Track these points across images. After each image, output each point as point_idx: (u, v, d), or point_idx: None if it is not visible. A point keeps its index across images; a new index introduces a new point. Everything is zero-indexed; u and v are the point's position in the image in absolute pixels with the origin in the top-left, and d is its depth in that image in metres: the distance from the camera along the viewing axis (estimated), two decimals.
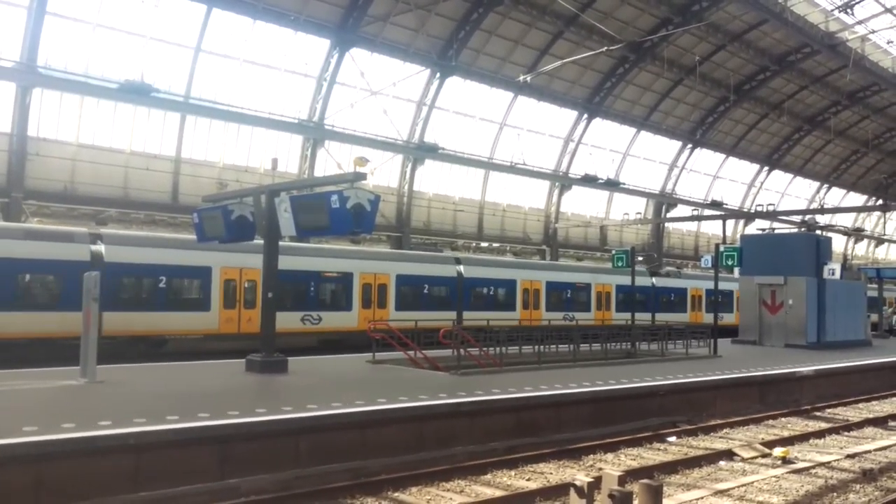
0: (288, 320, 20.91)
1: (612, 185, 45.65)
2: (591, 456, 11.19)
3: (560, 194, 44.85)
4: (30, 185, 26.76)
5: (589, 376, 15.26)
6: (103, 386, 12.26)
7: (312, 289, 23.83)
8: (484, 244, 41.47)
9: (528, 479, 9.80)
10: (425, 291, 26.81)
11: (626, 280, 26.10)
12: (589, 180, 43.72)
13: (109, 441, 8.39)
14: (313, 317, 23.41)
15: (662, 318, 28.36)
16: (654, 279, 34.82)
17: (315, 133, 33.71)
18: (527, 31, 37.52)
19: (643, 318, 26.09)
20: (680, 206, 51.50)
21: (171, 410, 9.81)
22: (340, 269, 24.60)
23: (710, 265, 28.42)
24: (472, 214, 41.22)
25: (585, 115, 43.60)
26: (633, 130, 47.39)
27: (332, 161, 34.43)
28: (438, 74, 36.30)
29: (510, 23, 36.62)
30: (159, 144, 30.57)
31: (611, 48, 32.18)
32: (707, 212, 50.69)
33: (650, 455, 11.46)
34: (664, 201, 51.17)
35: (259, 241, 15.74)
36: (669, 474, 10.15)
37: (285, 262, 18.41)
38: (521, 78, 33.89)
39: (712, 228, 55.78)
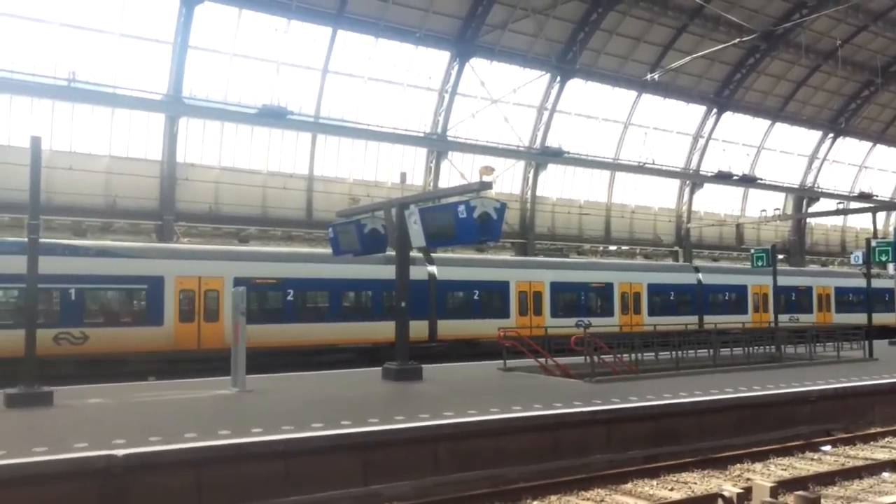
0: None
1: (748, 181, 43.59)
2: (738, 465, 10.69)
3: (691, 193, 43.26)
4: (179, 207, 28.80)
5: (731, 382, 14.61)
6: (253, 395, 12.97)
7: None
8: (612, 248, 40.62)
9: (671, 489, 9.49)
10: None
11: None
12: (722, 177, 41.94)
13: (261, 447, 8.86)
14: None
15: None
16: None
17: (439, 145, 34.29)
18: (648, 28, 36.58)
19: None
20: (823, 200, 48.40)
21: (315, 418, 10.24)
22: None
23: (860, 262, 26.48)
24: (599, 217, 40.49)
25: (715, 110, 41.92)
26: (767, 122, 45.09)
27: (456, 171, 34.88)
28: (559, 78, 36.02)
29: (631, 20, 35.84)
30: (293, 164, 32.10)
31: (742, 39, 30.64)
32: (854, 205, 47.34)
33: (803, 465, 10.80)
34: (805, 195, 48.25)
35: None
36: (826, 486, 9.53)
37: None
38: (648, 77, 32.96)
39: (861, 222, 52.02)
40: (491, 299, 24.84)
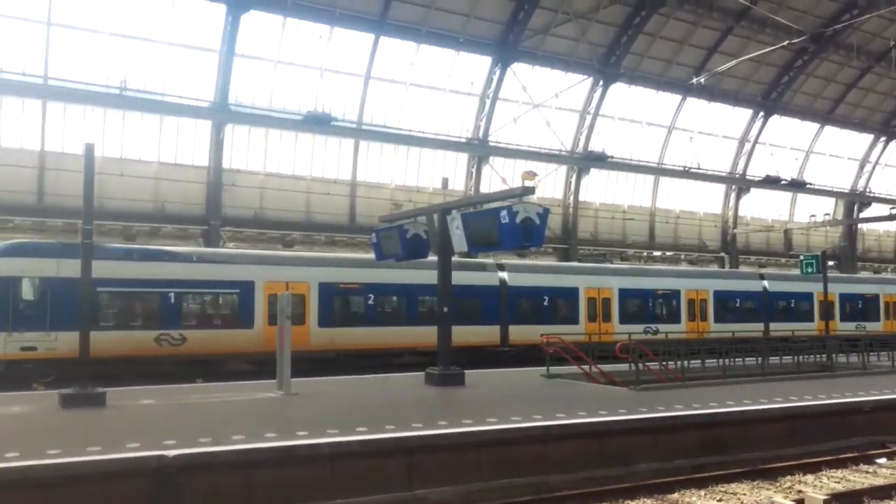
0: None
1: (796, 186, 42.70)
2: (789, 477, 10.44)
3: (738, 198, 42.51)
4: (225, 212, 29.31)
5: (781, 391, 14.30)
6: (298, 398, 13.12)
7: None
8: (656, 253, 40.11)
9: (719, 500, 9.32)
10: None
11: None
12: (769, 181, 41.19)
13: (307, 450, 8.95)
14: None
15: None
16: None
17: (480, 150, 34.30)
18: (693, 31, 36.11)
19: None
20: (875, 205, 47.11)
21: (359, 422, 10.31)
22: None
23: None
24: (643, 223, 40.04)
25: (761, 113, 41.16)
26: (816, 126, 44.10)
27: (497, 176, 34.84)
28: (601, 82, 35.75)
29: (675, 23, 35.42)
30: (336, 169, 32.42)
31: (792, 41, 29.99)
32: None
33: (857, 478, 10.51)
34: (856, 200, 47.06)
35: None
36: (882, 500, 9.25)
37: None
38: (693, 80, 32.48)
39: None
40: (560, 306, 25.00)
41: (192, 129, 29.41)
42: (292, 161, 31.57)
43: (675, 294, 27.41)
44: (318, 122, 29.37)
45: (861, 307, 32.26)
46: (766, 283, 30.31)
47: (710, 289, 27.92)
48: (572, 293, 25.25)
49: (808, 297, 30.90)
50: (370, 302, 21.56)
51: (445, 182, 30.74)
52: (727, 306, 28.25)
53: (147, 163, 28.59)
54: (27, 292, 17.13)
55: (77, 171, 14.11)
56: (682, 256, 41.17)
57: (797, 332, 24.78)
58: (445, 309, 15.70)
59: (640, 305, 26.74)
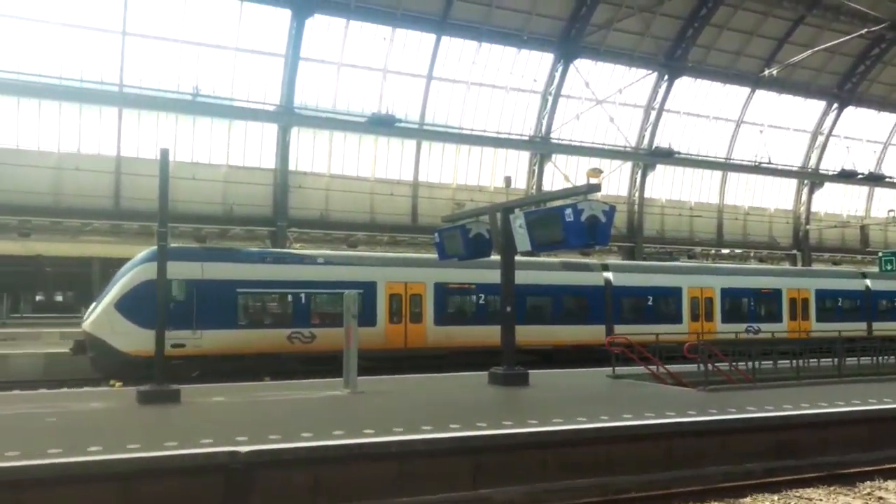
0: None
1: (873, 180, 41.09)
2: (868, 483, 10.05)
3: (810, 193, 41.14)
4: (292, 214, 29.94)
5: (859, 393, 13.76)
6: (364, 396, 13.30)
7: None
8: (725, 251, 39.13)
9: None
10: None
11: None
12: (845, 176, 39.74)
13: (375, 448, 9.07)
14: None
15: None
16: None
17: (543, 148, 34.10)
18: (762, 21, 35.08)
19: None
20: None
21: (425, 420, 10.38)
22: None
23: None
24: (710, 220, 39.14)
25: (835, 105, 39.74)
26: (894, 117, 42.24)
27: (559, 174, 34.57)
28: (666, 76, 35.12)
29: (743, 14, 34.49)
30: (399, 170, 32.75)
31: (869, 30, 28.81)
32: None
33: None
34: None
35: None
36: None
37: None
38: (766, 72, 31.52)
39: None
40: (664, 305, 25.18)
41: (260, 132, 30.14)
42: (356, 162, 32.03)
43: (777, 293, 27.20)
44: (382, 124, 29.74)
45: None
46: (868, 281, 29.87)
47: (812, 288, 27.58)
48: (676, 293, 25.40)
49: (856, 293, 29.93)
50: (481, 301, 22.21)
51: (508, 181, 30.68)
52: (827, 305, 27.93)
53: (217, 166, 29.44)
54: (177, 294, 17.95)
55: (151, 176, 14.67)
56: (752, 254, 40.07)
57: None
58: (509, 308, 15.63)
59: (741, 305, 26.64)
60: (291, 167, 30.22)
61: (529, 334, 20.52)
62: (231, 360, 18.13)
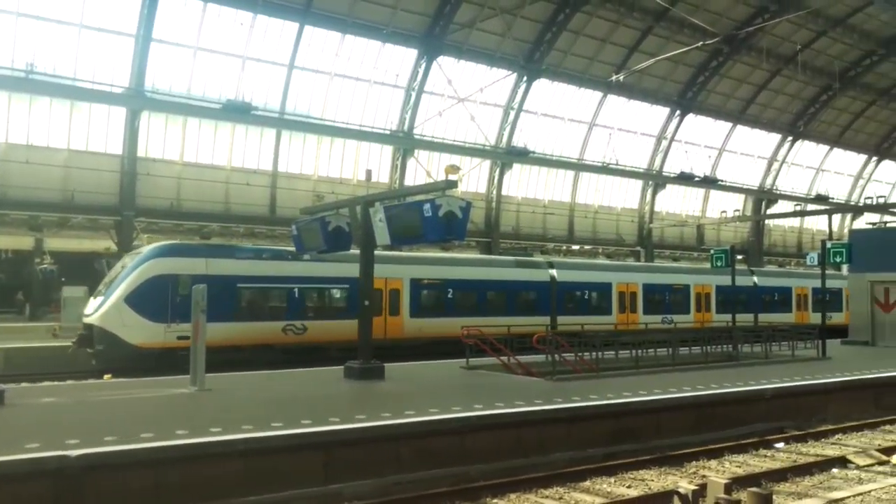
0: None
1: (709, 183, 44.34)
2: (694, 463, 10.88)
3: (654, 193, 43.87)
4: (140, 203, 28.36)
5: (689, 381, 14.84)
6: (212, 394, 12.83)
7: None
8: (575, 247, 40.99)
9: (628, 487, 9.62)
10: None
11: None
12: (684, 178, 42.64)
13: (220, 447, 8.77)
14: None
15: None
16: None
17: (405, 143, 34.25)
18: (615, 29, 36.98)
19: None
20: (781, 202, 49.49)
21: (275, 417, 10.17)
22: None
23: (815, 263, 27.19)
24: (563, 217, 40.86)
25: (678, 112, 42.54)
26: (728, 125, 45.94)
27: (422, 169, 34.89)
28: (525, 77, 36.23)
29: (597, 21, 36.20)
30: (257, 160, 31.83)
31: (706, 42, 31.21)
32: (811, 207, 48.44)
33: (756, 462, 11.04)
34: (764, 197, 49.26)
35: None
36: (778, 482, 9.75)
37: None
38: (613, 78, 33.36)
39: (817, 224, 53.31)
40: (598, 299, 28.01)
41: (106, 115, 28.33)
42: (211, 150, 30.82)
43: (687, 289, 30.71)
44: (238, 111, 28.72)
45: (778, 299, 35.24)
46: (755, 278, 33.82)
47: (713, 283, 30.96)
48: (607, 288, 28.21)
49: (788, 290, 34.63)
50: (449, 295, 24.13)
51: (369, 174, 30.65)
52: (726, 299, 31.51)
53: (56, 150, 27.38)
54: (183, 288, 18.64)
55: None
56: (600, 250, 42.22)
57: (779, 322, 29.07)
58: (367, 302, 15.60)
59: (659, 299, 29.72)
60: (141, 153, 28.60)
61: (488, 325, 21.44)
62: (230, 352, 19.05)
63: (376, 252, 24.94)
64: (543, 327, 22.83)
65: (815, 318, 32.40)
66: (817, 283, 29.75)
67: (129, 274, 19.09)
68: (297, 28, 30.69)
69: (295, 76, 31.52)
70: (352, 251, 24.26)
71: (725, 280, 31.78)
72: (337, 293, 22.20)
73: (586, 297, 27.74)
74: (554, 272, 26.95)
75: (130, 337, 18.51)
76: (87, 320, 19.36)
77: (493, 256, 28.82)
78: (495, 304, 24.81)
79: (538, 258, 30.01)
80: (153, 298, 18.56)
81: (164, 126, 29.77)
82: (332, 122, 32.25)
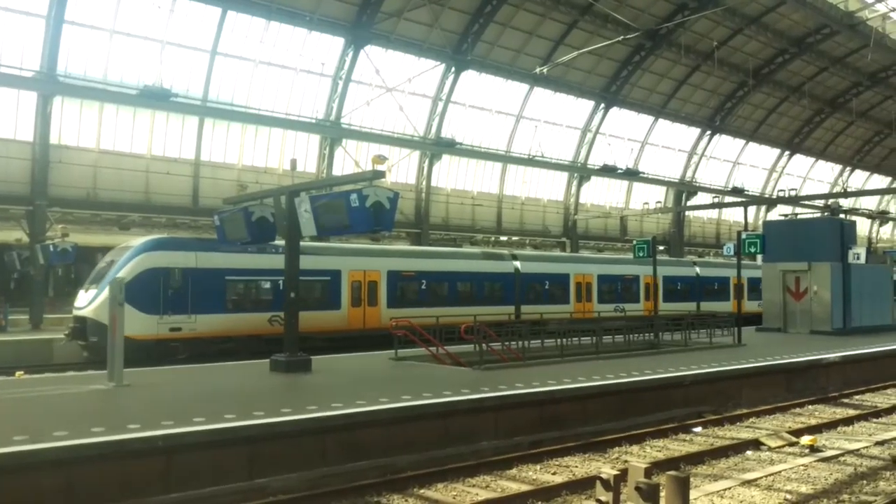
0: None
1: (631, 175, 45.40)
2: (617, 448, 11.17)
3: (579, 185, 44.67)
4: (53, 192, 27.13)
5: (612, 368, 15.22)
6: (130, 389, 12.43)
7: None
8: (503, 238, 41.41)
9: (553, 473, 9.80)
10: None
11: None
12: (608, 170, 43.54)
13: (139, 444, 8.51)
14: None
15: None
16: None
17: (332, 132, 33.83)
18: (541, 22, 37.35)
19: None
20: (700, 194, 51.11)
21: (197, 412, 9.93)
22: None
23: (732, 253, 28.28)
24: (491, 209, 41.19)
25: (602, 105, 43.37)
26: (650, 119, 47.08)
27: (350, 159, 34.55)
28: (453, 69, 36.27)
29: (524, 14, 36.47)
30: (179, 148, 30.87)
31: (627, 37, 32.03)
32: (728, 199, 50.24)
33: (676, 446, 11.42)
34: (684, 189, 50.79)
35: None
36: (696, 465, 10.10)
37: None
38: (538, 70, 33.77)
39: (734, 215, 55.32)
40: (557, 289, 29.34)
41: (15, 100, 26.96)
42: (130, 138, 29.72)
43: (636, 279, 32.29)
44: (157, 97, 27.72)
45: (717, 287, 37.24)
46: (697, 269, 35.99)
47: (661, 275, 31.60)
48: (565, 279, 29.67)
49: (726, 280, 36.34)
50: (423, 287, 25.06)
51: (294, 163, 29.71)
52: (672, 289, 33.75)
53: None
54: (175, 281, 19.43)
55: None
56: (528, 241, 42.77)
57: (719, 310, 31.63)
58: (293, 294, 15.37)
59: (611, 289, 31.35)
60: (53, 140, 27.31)
61: (458, 315, 21.78)
62: (220, 342, 19.90)
63: (357, 244, 25.62)
64: (508, 316, 24.44)
65: (751, 306, 33.76)
66: (758, 274, 31.15)
67: (121, 267, 19.17)
68: (220, 13, 29.84)
69: (218, 63, 30.67)
70: (332, 244, 24.91)
71: (672, 271, 34.47)
72: (319, 285, 22.71)
73: (547, 287, 28.99)
74: (518, 264, 28.13)
75: (126, 329, 18.04)
76: (79, 313, 19.39)
77: (463, 249, 30.27)
78: (466, 294, 25.99)
79: (503, 251, 31.44)
80: (146, 291, 18.96)
81: (78, 112, 28.51)
82: (256, 110, 31.56)
